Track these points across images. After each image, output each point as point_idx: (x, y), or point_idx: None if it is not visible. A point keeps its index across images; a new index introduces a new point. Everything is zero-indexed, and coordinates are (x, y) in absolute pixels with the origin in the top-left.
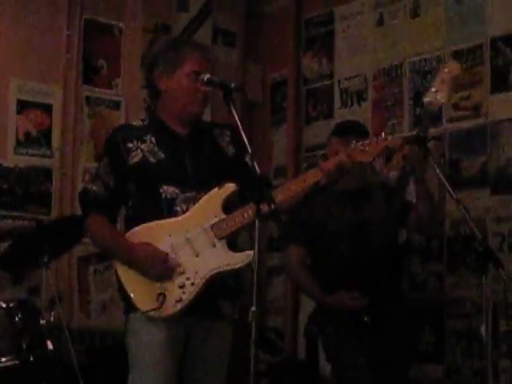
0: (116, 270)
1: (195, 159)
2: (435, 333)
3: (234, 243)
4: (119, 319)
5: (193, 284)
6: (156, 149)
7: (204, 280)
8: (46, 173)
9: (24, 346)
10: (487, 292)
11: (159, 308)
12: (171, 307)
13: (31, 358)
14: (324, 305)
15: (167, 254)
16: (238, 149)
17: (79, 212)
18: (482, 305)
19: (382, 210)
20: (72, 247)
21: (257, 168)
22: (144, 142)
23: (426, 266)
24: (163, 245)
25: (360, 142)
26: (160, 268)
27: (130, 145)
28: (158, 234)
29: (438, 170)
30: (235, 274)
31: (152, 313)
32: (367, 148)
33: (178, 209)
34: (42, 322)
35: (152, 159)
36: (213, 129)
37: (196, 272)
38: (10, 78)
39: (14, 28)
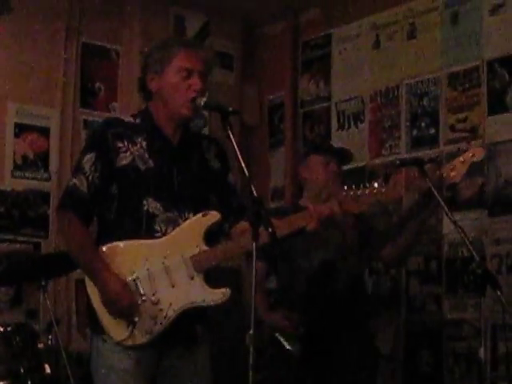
0: (86, 289)
1: (183, 174)
2: (434, 355)
3: (210, 276)
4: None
5: (165, 317)
6: (146, 155)
7: (176, 313)
8: (44, 196)
9: (22, 370)
10: (486, 314)
11: (129, 337)
12: (140, 337)
13: (29, 382)
14: (261, 321)
15: (133, 301)
16: (223, 165)
17: None
18: (480, 327)
19: (353, 238)
20: (68, 273)
21: (254, 191)
22: (135, 144)
23: (425, 287)
24: (139, 269)
25: (352, 192)
26: (120, 309)
27: (120, 144)
28: (135, 255)
29: (435, 193)
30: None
31: (124, 342)
32: (360, 198)
33: (157, 228)
34: (40, 345)
35: (141, 165)
36: (201, 140)
37: (170, 304)
38: (8, 101)
39: (11, 51)
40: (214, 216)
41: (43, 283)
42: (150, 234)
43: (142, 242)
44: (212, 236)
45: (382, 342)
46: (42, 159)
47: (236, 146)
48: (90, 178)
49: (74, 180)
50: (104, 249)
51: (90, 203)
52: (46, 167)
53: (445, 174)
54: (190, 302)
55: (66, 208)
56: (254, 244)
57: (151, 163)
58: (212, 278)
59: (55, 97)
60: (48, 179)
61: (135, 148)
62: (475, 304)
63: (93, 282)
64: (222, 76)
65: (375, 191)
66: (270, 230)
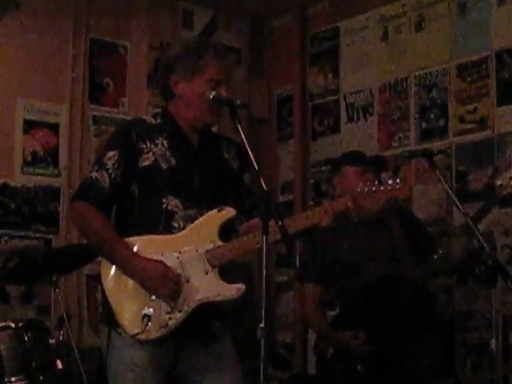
0: (102, 283)
1: (203, 173)
2: (445, 346)
3: (225, 271)
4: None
5: (180, 311)
6: (168, 153)
7: (191, 308)
8: (54, 192)
9: (33, 366)
10: (497, 305)
11: (143, 331)
12: (155, 332)
13: (41, 378)
14: (327, 338)
15: (180, 276)
16: (242, 166)
17: None
18: (491, 318)
19: (400, 240)
20: (80, 268)
21: (263, 185)
22: (156, 144)
23: (435, 279)
24: None
25: (366, 187)
26: (170, 291)
27: (143, 145)
28: (150, 250)
29: (445, 184)
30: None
31: (138, 336)
32: (373, 194)
33: (176, 225)
34: (52, 341)
35: (163, 165)
36: (220, 141)
37: (185, 299)
38: (17, 97)
39: (20, 48)
40: (229, 212)
41: (54, 279)
42: (168, 230)
43: (158, 236)
44: (225, 233)
45: None
46: (52, 155)
47: (245, 140)
48: (113, 175)
49: (95, 173)
50: None
51: (109, 199)
52: (56, 163)
53: (504, 184)
54: (205, 296)
55: (84, 200)
56: (263, 237)
57: (173, 161)
58: (226, 272)
59: (64, 93)
60: (58, 175)
61: (157, 148)
62: (486, 295)
63: (125, 270)
64: None
65: (389, 187)
66: (280, 223)
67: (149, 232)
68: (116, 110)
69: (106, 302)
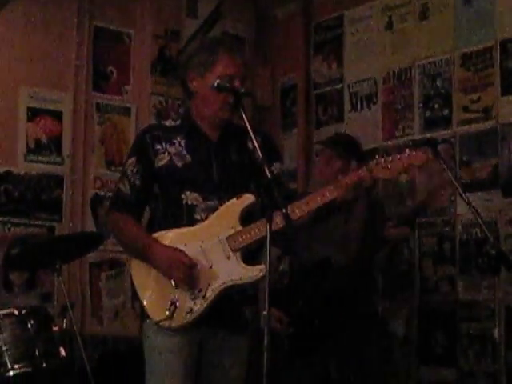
0: (131, 276)
1: (222, 166)
2: (448, 336)
3: (249, 255)
4: (131, 325)
5: (204, 296)
6: (184, 152)
7: (215, 293)
8: (57, 180)
9: (37, 353)
10: (500, 294)
11: (170, 318)
12: (181, 318)
13: (44, 365)
14: None
15: (196, 263)
16: (269, 156)
17: (90, 218)
18: (494, 307)
19: (362, 223)
20: (83, 255)
21: (268, 173)
22: (173, 144)
23: (438, 268)
24: None
25: (383, 158)
26: (184, 274)
27: (158, 146)
28: (174, 242)
29: (449, 173)
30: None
31: (162, 323)
32: (390, 165)
33: (198, 217)
34: (55, 328)
35: (178, 163)
36: (244, 135)
37: (208, 284)
38: (21, 85)
39: (24, 36)
40: (247, 198)
41: (57, 266)
42: (192, 223)
43: (182, 229)
44: (254, 219)
45: (396, 324)
46: (55, 143)
47: (249, 128)
48: (132, 180)
49: (120, 185)
50: None
51: (134, 203)
52: (59, 151)
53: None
54: (228, 280)
55: (113, 210)
56: (267, 225)
57: (188, 158)
58: (249, 256)
59: (68, 81)
60: (61, 163)
61: (173, 147)
62: (489, 285)
63: (150, 259)
64: None
65: (406, 156)
66: (284, 210)
67: (174, 226)
68: (119, 97)
69: (138, 298)
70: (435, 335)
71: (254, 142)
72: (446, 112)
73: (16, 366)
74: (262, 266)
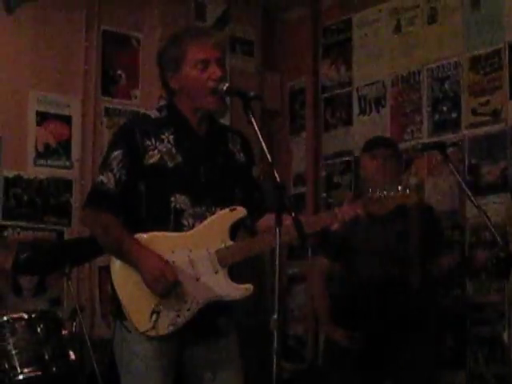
0: (111, 280)
1: (210, 169)
2: (457, 339)
3: (232, 271)
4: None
5: (189, 310)
6: (174, 150)
7: (200, 306)
8: (66, 184)
9: (46, 357)
10: (509, 297)
11: (152, 328)
12: (163, 329)
13: (54, 369)
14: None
15: (180, 281)
16: (247, 158)
17: None
18: (504, 310)
19: (416, 234)
20: (92, 260)
21: (277, 177)
22: (162, 141)
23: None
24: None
25: (376, 194)
26: (166, 291)
27: (148, 142)
28: (161, 247)
29: (458, 177)
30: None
31: (148, 332)
32: (383, 201)
33: (185, 223)
34: (64, 332)
35: (169, 163)
36: (226, 133)
37: (194, 297)
38: (30, 90)
39: (32, 40)
40: (240, 212)
41: (67, 271)
42: (178, 228)
43: (169, 234)
44: (234, 229)
45: None
46: (64, 147)
47: (258, 132)
48: (118, 175)
49: (101, 177)
50: None
51: (118, 200)
52: (68, 155)
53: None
54: (214, 295)
55: (93, 205)
56: (277, 229)
57: (179, 158)
58: (235, 269)
59: (76, 85)
60: (70, 167)
61: (162, 145)
62: (499, 288)
63: (133, 264)
64: (242, 62)
65: (399, 196)
66: (293, 214)
67: (159, 229)
68: (128, 102)
69: (115, 297)
70: (445, 338)
71: (264, 147)
72: (454, 115)
73: (25, 370)
74: (249, 286)
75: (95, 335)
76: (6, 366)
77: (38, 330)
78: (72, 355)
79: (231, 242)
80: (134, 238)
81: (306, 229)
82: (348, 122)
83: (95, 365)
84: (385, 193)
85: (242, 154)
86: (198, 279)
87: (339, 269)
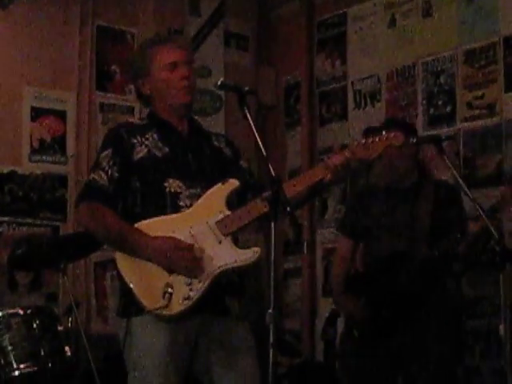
0: (118, 269)
1: (198, 157)
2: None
3: (237, 240)
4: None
5: (200, 281)
6: (160, 144)
7: (211, 277)
8: (61, 179)
9: (42, 353)
10: (505, 291)
11: (166, 306)
12: (178, 305)
13: (49, 365)
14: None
15: (193, 244)
16: (234, 152)
17: None
18: (499, 304)
19: (423, 217)
20: (88, 255)
21: (272, 171)
22: (147, 138)
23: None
24: None
25: (363, 140)
26: (187, 261)
27: (134, 140)
28: (161, 229)
29: (453, 170)
30: (239, 271)
31: (159, 311)
32: (370, 146)
33: (182, 204)
34: (60, 328)
35: (158, 153)
36: (209, 135)
37: (203, 270)
38: (24, 85)
39: (27, 36)
40: (232, 183)
41: (62, 266)
42: (176, 210)
43: (167, 217)
44: (231, 202)
45: None
46: (59, 143)
47: (253, 126)
48: (110, 171)
49: (93, 175)
50: None
51: (112, 195)
52: (63, 151)
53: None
54: (223, 263)
55: (87, 200)
56: (272, 224)
57: (166, 149)
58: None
59: (71, 80)
60: (65, 162)
61: (148, 141)
62: (494, 281)
63: (140, 252)
64: (237, 57)
65: (384, 137)
66: (289, 209)
67: (157, 216)
68: (123, 97)
69: (124, 292)
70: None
71: (259, 141)
72: (449, 109)
73: (21, 366)
74: (256, 249)
75: (91, 331)
76: (2, 361)
77: (34, 325)
78: (68, 351)
79: (229, 212)
80: (135, 227)
81: (302, 185)
82: (343, 116)
83: (91, 360)
84: (370, 139)
85: (228, 149)
86: (203, 252)
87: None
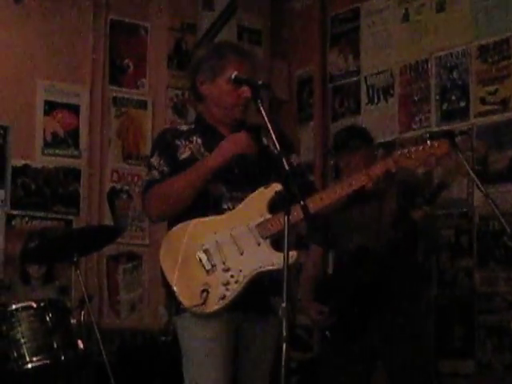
0: (161, 268)
1: (241, 161)
2: (466, 328)
3: (279, 243)
4: (148, 318)
5: (236, 282)
6: (202, 149)
7: (248, 278)
8: (74, 173)
9: (55, 346)
10: None
11: (202, 304)
12: (214, 304)
13: (62, 358)
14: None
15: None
16: (286, 149)
17: (107, 211)
18: None
19: (394, 209)
20: (101, 249)
21: (286, 165)
22: (191, 142)
23: (456, 261)
24: (208, 241)
25: (406, 149)
26: (245, 140)
27: (178, 142)
28: (203, 230)
29: (466, 165)
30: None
31: (195, 309)
32: (413, 155)
33: (225, 206)
34: (73, 321)
35: (200, 157)
36: (259, 129)
37: (240, 270)
38: (38, 79)
39: (40, 30)
40: (275, 187)
41: (75, 260)
42: (219, 212)
43: (211, 218)
44: (275, 206)
45: None
46: (72, 136)
47: (267, 120)
48: (160, 168)
49: (148, 176)
50: (174, 229)
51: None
52: (77, 144)
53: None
54: (259, 265)
55: (146, 189)
56: (285, 218)
57: (207, 154)
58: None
59: (84, 74)
60: (78, 156)
61: (192, 145)
62: (507, 277)
63: (216, 162)
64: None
65: (428, 147)
66: (302, 203)
67: (201, 217)
68: (136, 91)
69: (168, 289)
70: (453, 328)
71: (272, 133)
72: (463, 104)
73: (34, 359)
74: (292, 253)
75: (103, 324)
76: (15, 354)
77: (47, 318)
78: (80, 344)
79: (270, 215)
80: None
81: (342, 192)
82: (356, 111)
83: (103, 353)
84: (414, 147)
85: (274, 147)
86: (241, 253)
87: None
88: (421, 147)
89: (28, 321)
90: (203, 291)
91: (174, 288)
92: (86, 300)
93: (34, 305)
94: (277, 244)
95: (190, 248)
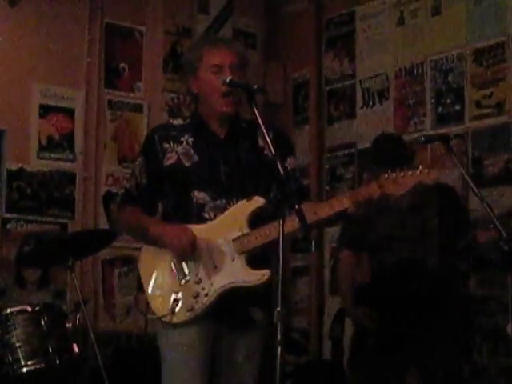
0: (138, 273)
1: (230, 165)
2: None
3: (254, 258)
4: (144, 321)
5: (206, 295)
6: (191, 151)
7: (218, 293)
8: (69, 177)
9: (50, 350)
10: None
11: (171, 314)
12: (182, 315)
13: (57, 361)
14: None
15: (196, 237)
16: (282, 151)
17: (103, 215)
18: (507, 303)
19: (431, 226)
20: (96, 252)
21: (281, 170)
22: (180, 143)
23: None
24: None
25: (394, 173)
26: (186, 242)
27: (166, 145)
28: None
29: (461, 169)
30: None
31: (164, 318)
32: (401, 180)
33: (207, 216)
34: (68, 325)
35: (186, 163)
36: (255, 129)
37: (211, 284)
38: (33, 82)
39: (36, 33)
40: (257, 201)
41: (70, 263)
42: (201, 221)
43: (192, 226)
44: (256, 219)
45: None
46: (67, 140)
47: (262, 125)
48: (139, 179)
49: (127, 184)
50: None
51: (141, 199)
52: (72, 148)
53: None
54: (230, 281)
55: (123, 206)
56: (280, 222)
57: (196, 158)
58: (255, 260)
59: (80, 78)
60: (73, 160)
61: (180, 147)
62: (502, 281)
63: (156, 239)
64: None
65: (417, 174)
66: (297, 207)
67: (183, 223)
68: (131, 94)
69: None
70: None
71: (267, 137)
72: (458, 107)
73: (29, 363)
74: (266, 271)
75: (98, 328)
76: (10, 358)
77: (42, 322)
78: (76, 348)
79: (248, 230)
80: (155, 219)
81: (322, 214)
82: (351, 114)
83: (99, 357)
84: (402, 172)
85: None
86: (215, 267)
87: (365, 258)
88: (410, 172)
89: (23, 325)
90: (174, 301)
91: (147, 296)
92: (82, 304)
93: (29, 309)
94: (252, 260)
95: (167, 256)
